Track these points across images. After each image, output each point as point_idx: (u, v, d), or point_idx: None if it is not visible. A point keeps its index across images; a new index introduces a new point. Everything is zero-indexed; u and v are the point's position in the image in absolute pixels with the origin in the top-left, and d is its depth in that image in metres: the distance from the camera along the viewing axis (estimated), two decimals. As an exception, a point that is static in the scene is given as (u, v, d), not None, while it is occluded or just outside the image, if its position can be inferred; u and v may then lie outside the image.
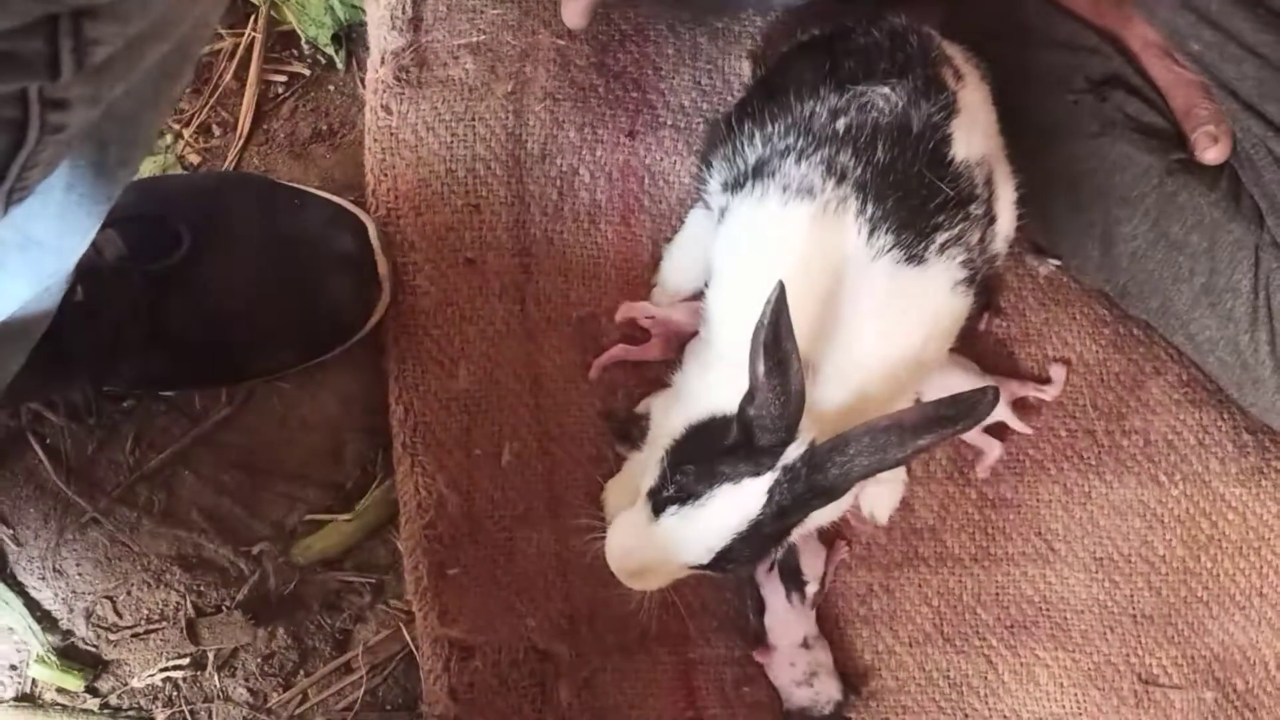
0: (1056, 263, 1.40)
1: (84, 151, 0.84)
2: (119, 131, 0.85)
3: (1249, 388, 1.31)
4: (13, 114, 0.69)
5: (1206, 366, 1.35)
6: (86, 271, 1.14)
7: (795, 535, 1.12)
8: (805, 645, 1.30)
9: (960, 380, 1.29)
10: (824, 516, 1.12)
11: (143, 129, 0.88)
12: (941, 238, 1.06)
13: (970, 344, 1.36)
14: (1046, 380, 1.38)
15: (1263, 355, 1.27)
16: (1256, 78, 1.23)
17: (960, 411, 0.98)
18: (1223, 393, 1.38)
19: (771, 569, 1.32)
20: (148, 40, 0.74)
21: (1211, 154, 1.26)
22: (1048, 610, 1.37)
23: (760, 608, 1.32)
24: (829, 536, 1.34)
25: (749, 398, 1.00)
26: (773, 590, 1.31)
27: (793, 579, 1.31)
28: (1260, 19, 1.17)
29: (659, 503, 1.04)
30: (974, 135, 1.09)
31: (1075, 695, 1.36)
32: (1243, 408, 1.37)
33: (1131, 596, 1.37)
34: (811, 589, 1.31)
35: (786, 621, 1.31)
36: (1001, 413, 1.35)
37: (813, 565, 1.31)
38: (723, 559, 1.05)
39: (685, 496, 1.03)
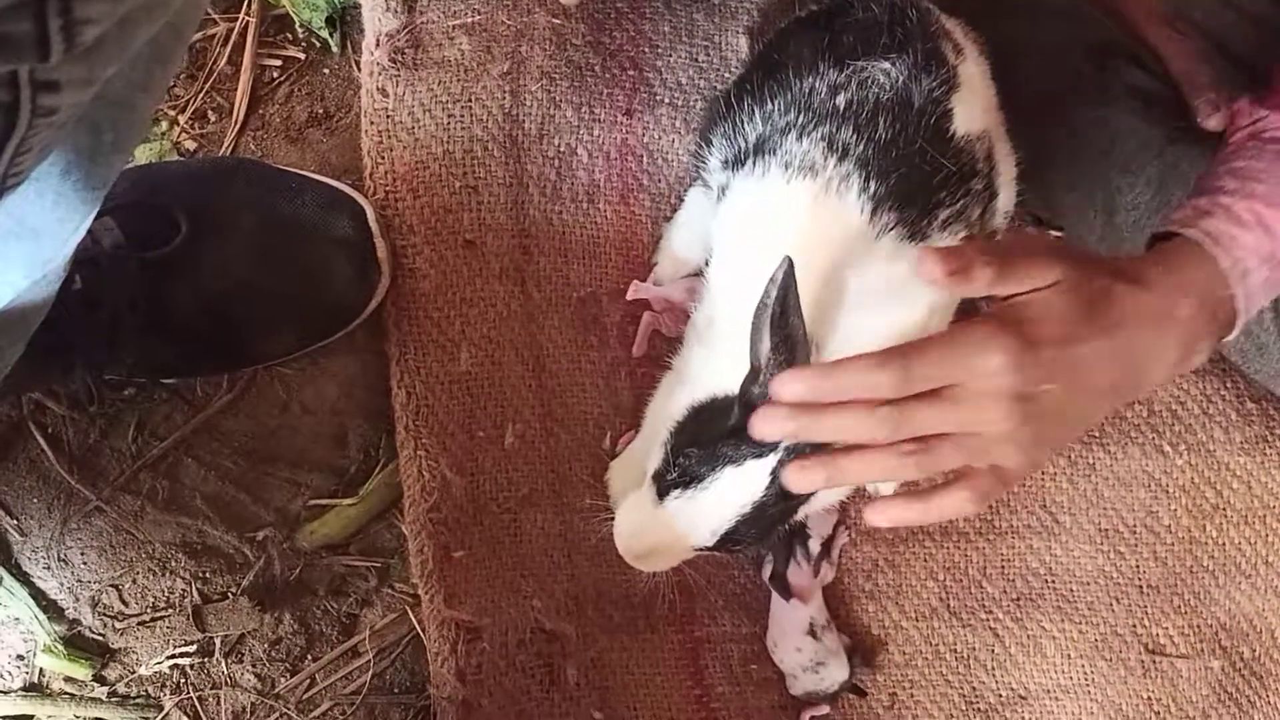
0: (1058, 234, 1.39)
1: (78, 137, 0.83)
2: (113, 116, 0.84)
3: (1253, 355, 1.31)
4: (2, 97, 0.68)
5: (1210, 335, 1.35)
6: (84, 260, 1.14)
7: (801, 515, 1.12)
8: (812, 633, 1.30)
9: None
10: (829, 496, 1.12)
11: (137, 113, 0.88)
12: (944, 214, 1.05)
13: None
14: None
15: (1266, 322, 1.27)
16: (1258, 43, 1.23)
17: None
18: (1226, 361, 1.37)
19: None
20: (139, 20, 0.73)
21: (1214, 121, 1.25)
22: (1053, 582, 1.37)
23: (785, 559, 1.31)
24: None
25: (752, 376, 1.00)
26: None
27: (798, 534, 1.30)
28: (1261, -16, 1.17)
29: (663, 486, 1.05)
30: (974, 109, 1.09)
31: (1082, 666, 1.37)
32: (1246, 376, 1.37)
33: (1137, 567, 1.38)
34: (814, 544, 1.30)
35: (792, 605, 1.30)
36: None
37: (821, 523, 1.30)
38: (728, 540, 1.05)
39: (689, 479, 1.03)
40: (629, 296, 1.31)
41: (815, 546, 1.31)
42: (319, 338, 1.26)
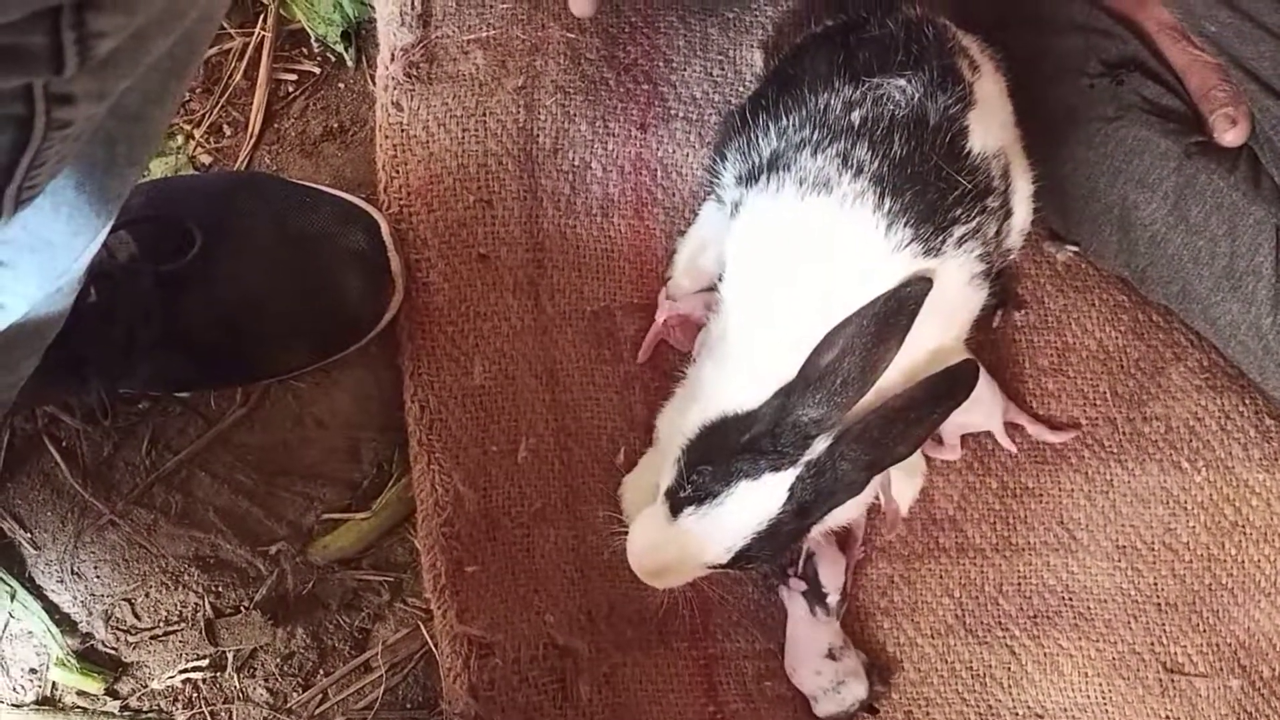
0: (1074, 249, 1.39)
1: (92, 150, 0.84)
2: (127, 129, 0.84)
3: (1272, 372, 1.30)
4: (18, 110, 0.69)
5: (1228, 351, 1.35)
6: (99, 273, 1.15)
7: (815, 533, 1.12)
8: (831, 655, 1.29)
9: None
10: (844, 514, 1.12)
11: (151, 126, 0.88)
12: (959, 231, 1.05)
13: (988, 334, 1.36)
14: (1054, 427, 1.37)
15: (1286, 339, 1.26)
16: (1274, 58, 1.23)
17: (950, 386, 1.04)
18: (1244, 377, 1.37)
19: (791, 585, 1.31)
20: (152, 33, 0.73)
21: (1230, 136, 1.25)
22: (1070, 600, 1.36)
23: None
24: (843, 541, 1.33)
25: (798, 387, 1.01)
26: (793, 603, 1.31)
27: (813, 592, 1.30)
28: (1277, -2, 1.17)
29: (677, 503, 1.05)
30: (991, 127, 1.09)
31: (1100, 685, 1.36)
32: (1265, 392, 1.36)
33: (1155, 584, 1.37)
34: (833, 599, 1.30)
35: (809, 633, 1.30)
36: (994, 425, 1.34)
37: (832, 575, 1.30)
38: (742, 558, 1.05)
39: (703, 496, 1.03)
40: (659, 319, 1.30)
41: (833, 600, 1.30)
42: (333, 351, 1.27)
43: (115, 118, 0.80)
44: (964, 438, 1.35)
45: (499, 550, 1.26)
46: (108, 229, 0.92)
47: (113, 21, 0.67)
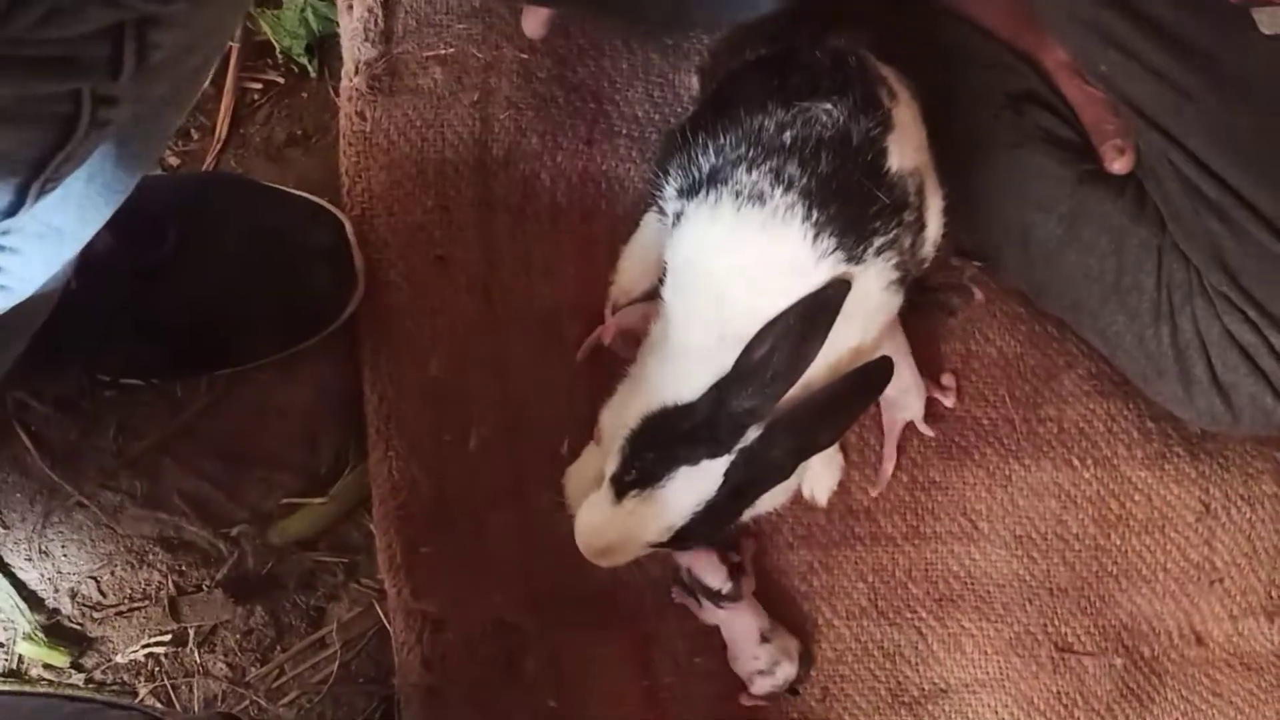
0: (978, 264, 1.45)
1: (108, 146, 0.86)
2: (144, 128, 0.88)
3: (1154, 378, 1.36)
4: (65, 109, 0.72)
5: (1115, 359, 1.40)
6: (80, 264, 1.18)
7: (747, 516, 1.19)
8: (764, 638, 1.36)
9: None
10: (772, 500, 1.20)
11: (165, 126, 0.92)
12: (878, 241, 1.12)
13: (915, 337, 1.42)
14: (945, 389, 1.45)
15: (1165, 348, 1.32)
16: (1157, 96, 1.25)
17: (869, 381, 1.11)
18: (1129, 384, 1.42)
19: (704, 605, 1.37)
20: (196, 46, 0.79)
21: (1118, 165, 1.32)
22: (972, 584, 1.43)
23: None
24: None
25: (733, 380, 1.08)
26: (708, 612, 1.37)
27: (710, 594, 1.35)
28: (1160, 42, 1.22)
29: (621, 487, 1.11)
30: (906, 148, 1.15)
31: (998, 662, 1.42)
32: (1148, 397, 1.42)
33: (1048, 571, 1.44)
34: (728, 587, 1.34)
35: (736, 625, 1.36)
36: (918, 414, 1.41)
37: (711, 573, 1.35)
38: (681, 537, 1.12)
39: (645, 480, 1.10)
40: (605, 340, 1.35)
41: (729, 588, 1.35)
42: (297, 341, 1.31)
43: (135, 118, 0.84)
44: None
45: (451, 533, 1.32)
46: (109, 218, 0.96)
47: (169, 36, 0.72)
